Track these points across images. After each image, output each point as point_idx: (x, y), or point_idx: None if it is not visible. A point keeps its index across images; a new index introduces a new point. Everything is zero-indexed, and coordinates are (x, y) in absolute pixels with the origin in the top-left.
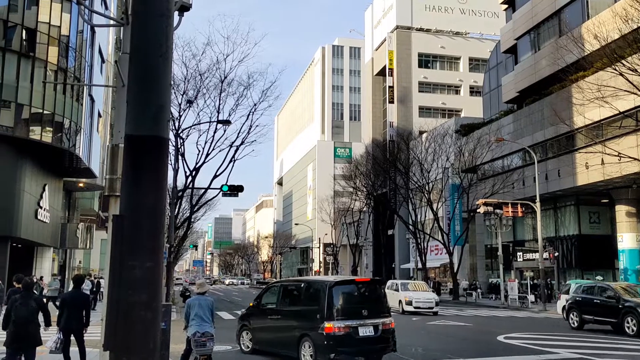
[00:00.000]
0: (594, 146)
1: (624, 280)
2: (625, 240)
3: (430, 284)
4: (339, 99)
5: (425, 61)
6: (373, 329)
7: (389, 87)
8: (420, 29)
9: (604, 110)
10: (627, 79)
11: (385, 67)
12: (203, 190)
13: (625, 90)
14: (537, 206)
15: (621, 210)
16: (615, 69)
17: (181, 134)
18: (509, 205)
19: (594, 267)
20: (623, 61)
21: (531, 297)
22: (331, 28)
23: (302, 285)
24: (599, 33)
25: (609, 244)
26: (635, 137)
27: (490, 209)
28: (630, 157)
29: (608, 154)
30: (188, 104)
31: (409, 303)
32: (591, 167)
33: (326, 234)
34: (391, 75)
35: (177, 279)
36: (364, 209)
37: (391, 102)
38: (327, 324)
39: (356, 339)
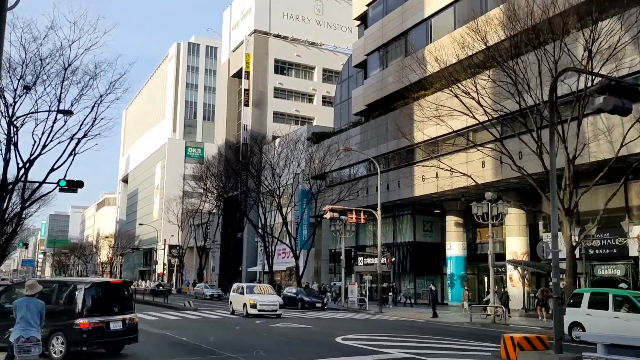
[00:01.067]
0: (430, 160)
1: (450, 285)
2: (453, 248)
3: (275, 287)
4: (192, 97)
5: (282, 67)
6: (122, 323)
7: (245, 90)
8: (278, 36)
9: (440, 128)
10: (461, 101)
11: (241, 69)
12: (37, 184)
13: (459, 111)
14: (378, 214)
15: (451, 221)
16: (452, 91)
17: (15, 122)
18: (353, 212)
19: (426, 272)
20: (458, 84)
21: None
22: (188, 25)
23: (55, 286)
24: (439, 56)
25: (439, 251)
26: (465, 154)
27: (336, 215)
28: (460, 172)
29: (442, 169)
30: (25, 90)
31: (254, 306)
32: (427, 180)
33: (172, 236)
34: (247, 78)
35: (2, 279)
36: (214, 211)
37: (246, 105)
38: (82, 320)
39: (108, 332)
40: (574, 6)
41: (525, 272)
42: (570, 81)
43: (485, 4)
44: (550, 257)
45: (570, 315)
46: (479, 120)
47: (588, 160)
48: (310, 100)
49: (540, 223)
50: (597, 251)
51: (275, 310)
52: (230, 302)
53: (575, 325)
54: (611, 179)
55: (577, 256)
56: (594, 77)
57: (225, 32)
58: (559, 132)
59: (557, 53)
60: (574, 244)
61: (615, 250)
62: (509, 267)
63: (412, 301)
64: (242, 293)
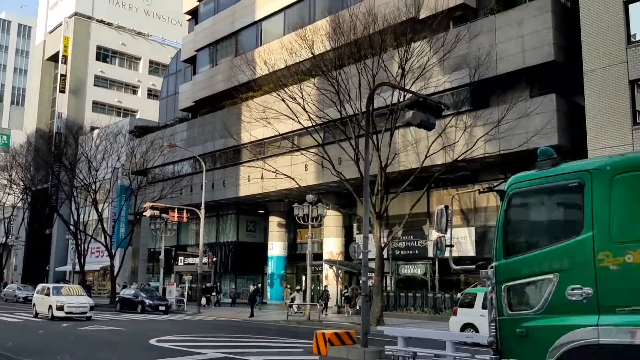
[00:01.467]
0: (256, 161)
1: (270, 284)
2: (274, 248)
3: (86, 288)
4: (0, 79)
5: (104, 55)
6: None
7: (62, 75)
8: (101, 21)
9: (267, 130)
10: (288, 105)
11: (58, 53)
12: None
13: (285, 115)
14: (202, 213)
15: (274, 221)
16: (279, 95)
17: None
18: (176, 210)
19: (247, 271)
20: (286, 89)
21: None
22: None
23: None
24: (268, 60)
25: (261, 251)
26: (290, 157)
27: (157, 212)
28: (284, 175)
29: (267, 170)
30: None
31: (60, 308)
32: (252, 180)
33: None
34: (65, 63)
35: None
36: (19, 204)
37: (62, 91)
38: None
39: None
40: (391, 26)
41: (339, 271)
42: (385, 95)
43: (313, 14)
44: (361, 256)
45: (463, 316)
46: (303, 125)
47: (398, 169)
48: (135, 92)
49: (355, 225)
50: (402, 252)
51: (85, 312)
52: (34, 305)
53: (468, 326)
54: (417, 187)
55: (385, 256)
56: (405, 93)
57: (42, 11)
58: (373, 142)
59: (375, 68)
60: (382, 245)
61: (417, 252)
62: (325, 266)
63: (234, 301)
64: (47, 294)
